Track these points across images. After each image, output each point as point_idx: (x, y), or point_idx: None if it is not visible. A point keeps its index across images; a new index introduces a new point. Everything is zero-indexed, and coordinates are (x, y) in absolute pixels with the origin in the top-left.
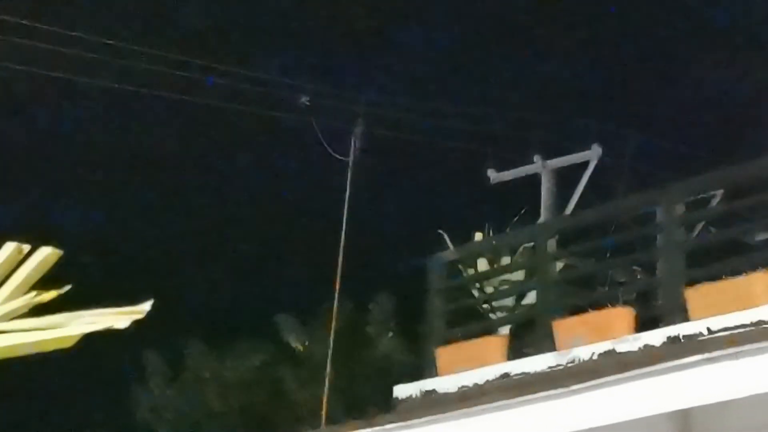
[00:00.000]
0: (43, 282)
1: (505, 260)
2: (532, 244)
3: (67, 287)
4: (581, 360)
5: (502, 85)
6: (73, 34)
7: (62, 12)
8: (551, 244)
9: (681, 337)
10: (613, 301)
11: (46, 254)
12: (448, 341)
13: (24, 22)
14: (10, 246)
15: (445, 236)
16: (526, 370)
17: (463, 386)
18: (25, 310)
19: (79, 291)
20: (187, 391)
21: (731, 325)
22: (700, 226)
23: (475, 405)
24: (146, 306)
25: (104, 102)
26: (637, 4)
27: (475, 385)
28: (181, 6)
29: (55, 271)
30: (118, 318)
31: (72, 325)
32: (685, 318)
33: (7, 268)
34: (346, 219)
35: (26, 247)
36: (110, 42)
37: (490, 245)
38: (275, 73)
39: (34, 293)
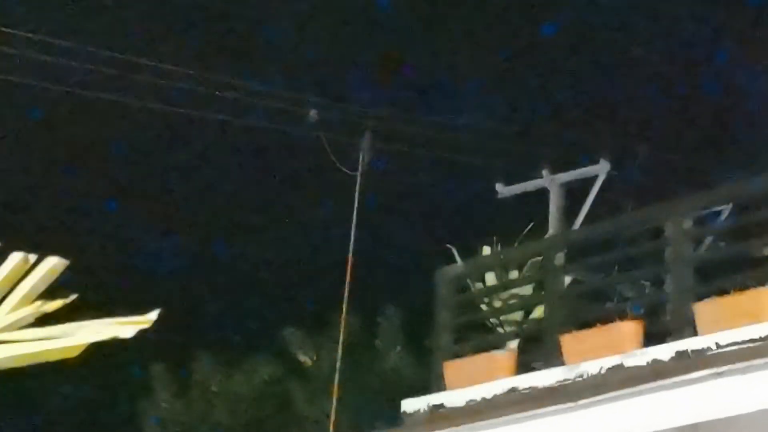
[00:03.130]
0: (50, 291)
1: (514, 274)
2: (540, 258)
3: (73, 297)
4: (589, 374)
5: (511, 99)
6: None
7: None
8: (559, 258)
9: (689, 351)
10: (621, 316)
11: (52, 264)
12: (456, 355)
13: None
14: (17, 256)
15: (454, 250)
16: (534, 384)
17: (470, 400)
18: (32, 319)
19: (86, 301)
20: (195, 405)
21: (740, 339)
22: (708, 240)
23: (483, 419)
24: (152, 316)
25: (118, 116)
26: (644, 17)
27: (483, 399)
28: (187, 21)
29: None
30: (124, 328)
31: (78, 334)
32: (693, 332)
33: (14, 278)
34: (354, 232)
35: (32, 257)
36: (122, 56)
37: (499, 259)
38: (284, 86)
39: (40, 303)
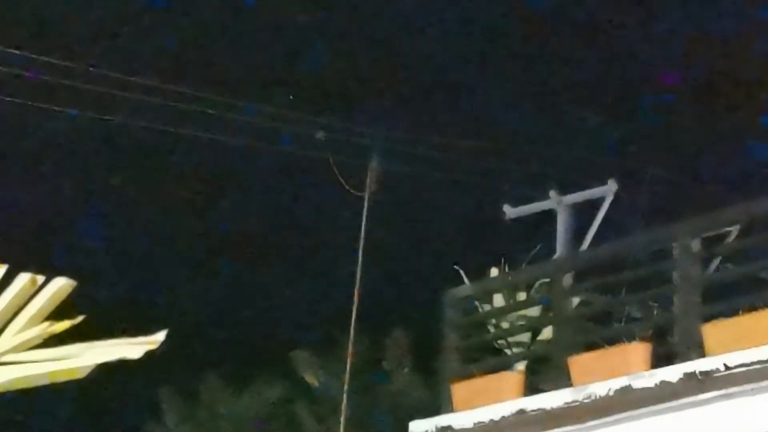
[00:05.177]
0: (57, 312)
1: (521, 296)
2: (548, 279)
3: (81, 318)
4: (597, 396)
5: (518, 120)
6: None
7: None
8: (567, 280)
9: (697, 373)
10: (629, 337)
11: (59, 285)
12: (463, 377)
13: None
14: (24, 277)
15: (461, 272)
16: (542, 406)
17: (478, 422)
18: (39, 340)
19: (93, 322)
20: (203, 427)
21: (748, 361)
22: (716, 261)
23: None
24: (160, 336)
25: (113, 138)
26: (653, 38)
27: (491, 421)
28: (194, 41)
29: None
30: (132, 348)
31: (85, 355)
32: (701, 354)
33: (21, 299)
34: (362, 254)
35: (40, 278)
36: (122, 76)
37: (506, 281)
38: (291, 107)
39: (47, 324)
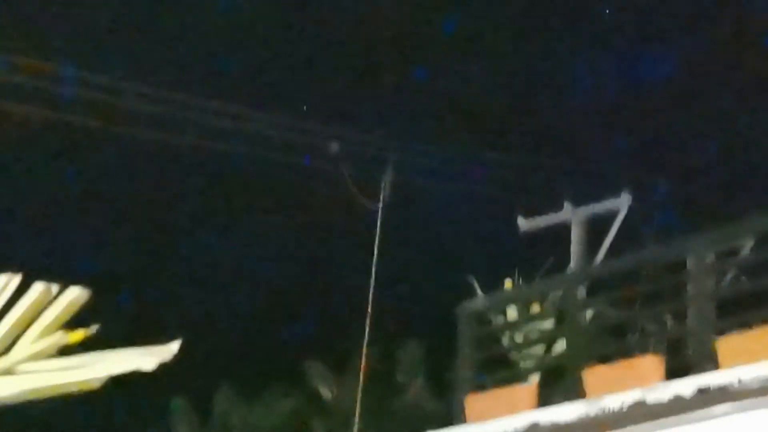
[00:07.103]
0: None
1: (535, 308)
2: (561, 292)
3: (95, 327)
4: (611, 409)
5: (532, 133)
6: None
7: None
8: (581, 293)
9: (711, 386)
10: (642, 350)
11: (74, 295)
12: (477, 389)
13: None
14: (39, 287)
15: (475, 284)
16: (555, 418)
17: None
18: (54, 350)
19: (107, 332)
20: None
21: (762, 375)
22: (730, 274)
23: None
24: (173, 347)
25: (124, 148)
26: (672, 49)
27: None
28: (206, 50)
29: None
30: (145, 359)
31: (99, 365)
32: (715, 367)
33: (36, 309)
34: (375, 266)
35: (55, 287)
36: (127, 82)
37: (520, 293)
38: (303, 119)
39: (62, 333)
